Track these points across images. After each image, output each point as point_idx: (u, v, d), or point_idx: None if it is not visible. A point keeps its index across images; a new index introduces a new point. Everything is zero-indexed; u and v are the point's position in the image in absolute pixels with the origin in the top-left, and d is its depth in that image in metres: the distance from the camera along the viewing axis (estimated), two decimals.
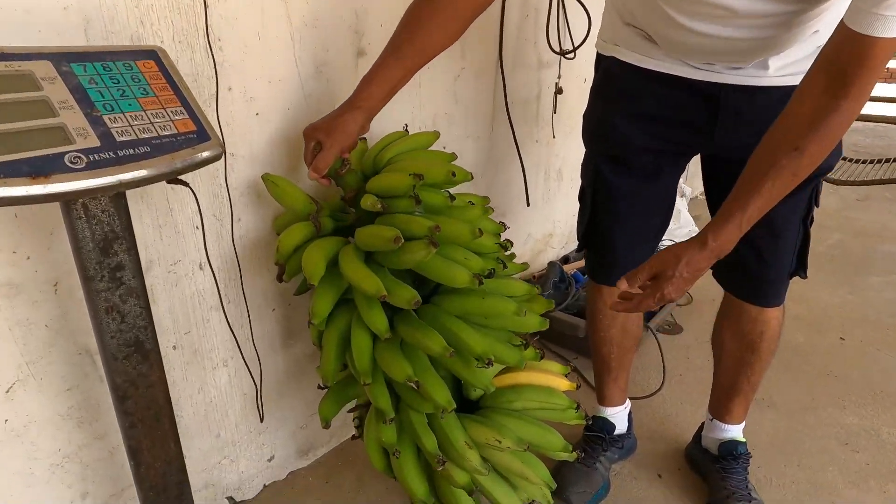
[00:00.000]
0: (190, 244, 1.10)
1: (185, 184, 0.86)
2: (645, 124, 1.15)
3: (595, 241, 1.33)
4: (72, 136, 0.70)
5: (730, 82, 1.07)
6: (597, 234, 1.31)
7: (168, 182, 0.84)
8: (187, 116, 0.81)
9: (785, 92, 0.97)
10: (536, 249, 2.20)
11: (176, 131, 0.78)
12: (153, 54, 0.83)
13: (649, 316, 1.99)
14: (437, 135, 1.24)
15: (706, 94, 1.08)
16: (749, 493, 1.35)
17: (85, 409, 1.04)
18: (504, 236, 1.21)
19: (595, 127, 1.25)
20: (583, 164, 1.31)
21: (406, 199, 1.04)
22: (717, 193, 1.24)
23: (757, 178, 0.91)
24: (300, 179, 1.21)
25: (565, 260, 2.25)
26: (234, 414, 1.29)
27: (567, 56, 1.81)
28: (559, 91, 1.84)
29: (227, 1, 1.03)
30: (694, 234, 0.99)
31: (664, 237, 2.02)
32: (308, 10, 1.16)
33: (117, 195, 0.76)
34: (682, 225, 2.55)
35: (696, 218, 2.72)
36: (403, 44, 1.05)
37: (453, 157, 1.20)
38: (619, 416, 1.50)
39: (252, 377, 1.28)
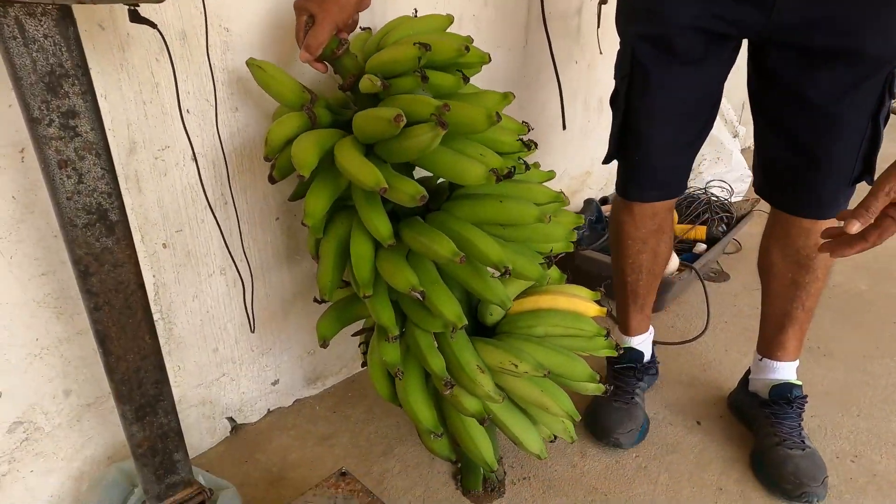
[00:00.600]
0: (178, 129, 0.99)
1: (152, 24, 0.73)
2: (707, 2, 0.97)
3: (628, 147, 1.17)
4: None
5: None
6: (630, 138, 1.15)
7: (131, 20, 0.72)
8: None
9: None
10: (572, 188, 2.03)
11: None
12: None
13: (691, 259, 1.81)
14: (450, 18, 1.07)
15: None
16: (803, 441, 1.20)
17: (63, 299, 0.95)
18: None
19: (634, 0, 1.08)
20: (617, 58, 1.14)
21: (410, 77, 0.89)
22: (763, 98, 1.09)
23: None
24: (304, 73, 1.08)
25: (603, 201, 2.07)
26: (234, 329, 1.19)
27: None
28: (603, 1, 1.64)
29: None
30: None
31: (710, 178, 1.82)
32: None
33: (63, 20, 0.64)
34: (734, 168, 2.32)
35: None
36: None
37: (469, 39, 1.03)
38: (645, 343, 1.38)
39: (242, 284, 1.17)
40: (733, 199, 2.17)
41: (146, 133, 0.96)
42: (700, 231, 1.91)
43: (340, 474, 1.03)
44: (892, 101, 1.00)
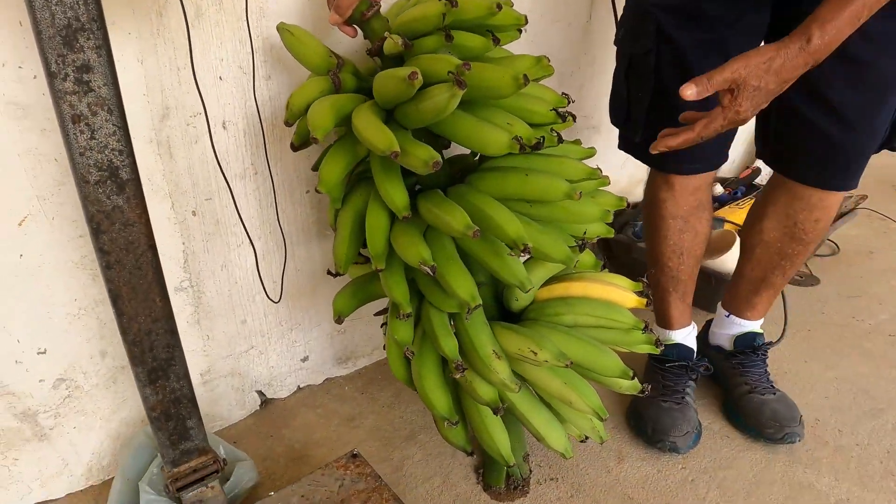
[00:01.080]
0: (212, 96, 0.99)
1: None
2: None
3: (662, 122, 1.03)
4: None
5: None
6: (663, 112, 1.04)
7: None
8: None
9: None
10: (637, 178, 1.89)
11: None
12: None
13: None
14: None
15: None
16: (772, 385, 1.23)
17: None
18: (597, 160, 0.98)
19: None
20: (627, 29, 1.07)
21: (434, 36, 0.84)
22: None
23: None
24: (341, 41, 1.05)
25: None
26: (262, 301, 1.20)
27: None
28: None
29: None
30: None
31: None
32: None
33: None
34: None
35: None
36: None
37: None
38: (691, 337, 1.29)
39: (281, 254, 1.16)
40: None
41: (178, 98, 0.97)
42: None
43: (352, 456, 1.01)
44: None
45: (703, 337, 1.35)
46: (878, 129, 0.98)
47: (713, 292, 1.53)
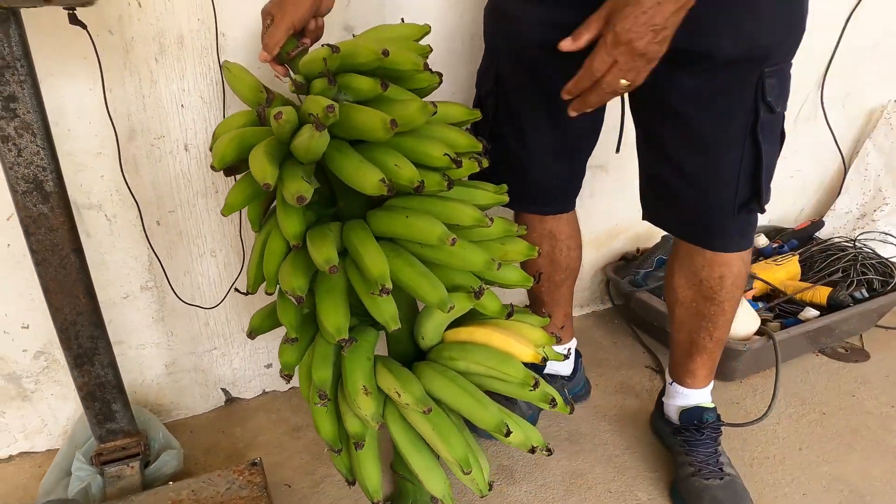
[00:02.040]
0: (174, 122, 1.13)
1: (83, 25, 0.86)
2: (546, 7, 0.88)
3: (499, 161, 1.10)
4: None
5: None
6: (497, 152, 1.09)
7: (70, 22, 0.85)
8: None
9: None
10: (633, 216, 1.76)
11: None
12: None
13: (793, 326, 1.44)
14: (425, 28, 1.03)
15: None
16: (721, 469, 1.12)
17: None
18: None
19: (489, 13, 1.06)
20: (482, 63, 1.12)
21: (321, 79, 0.89)
22: (636, 106, 1.01)
23: None
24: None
25: None
26: (225, 308, 1.31)
27: None
28: None
29: None
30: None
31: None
32: None
33: (5, 21, 0.79)
34: None
35: None
36: None
37: (427, 49, 0.98)
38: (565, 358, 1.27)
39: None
40: None
41: (144, 122, 1.12)
42: (820, 293, 1.50)
43: (252, 464, 1.07)
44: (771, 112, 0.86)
45: (658, 407, 1.27)
46: (724, 187, 0.94)
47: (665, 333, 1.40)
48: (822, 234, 1.80)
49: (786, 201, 1.90)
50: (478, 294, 0.94)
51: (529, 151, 1.11)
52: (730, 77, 0.86)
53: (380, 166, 0.86)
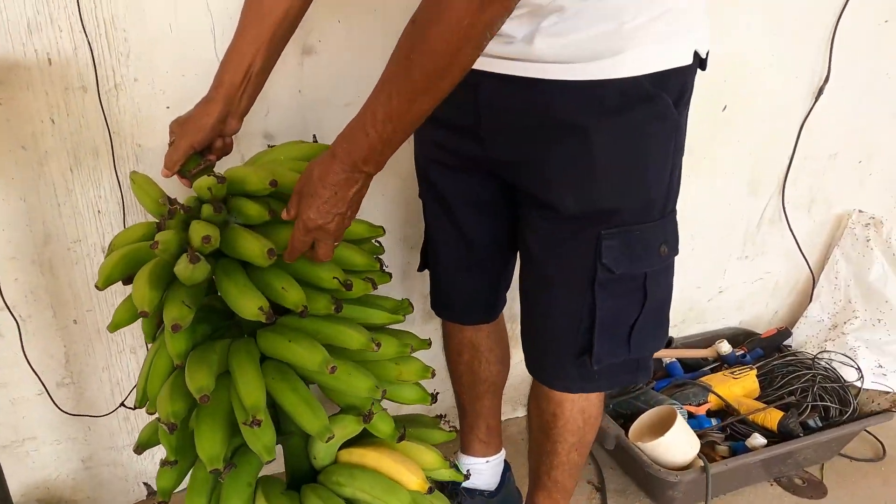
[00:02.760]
0: (91, 226, 1.16)
1: None
2: (430, 128, 0.87)
3: (426, 262, 1.19)
4: None
5: (487, 69, 0.84)
6: (428, 250, 1.18)
7: None
8: None
9: (560, 87, 0.78)
10: None
11: None
12: None
13: (742, 451, 1.34)
14: (324, 147, 1.03)
15: (467, 80, 0.73)
16: None
17: None
18: None
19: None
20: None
21: (207, 204, 0.89)
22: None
23: (385, 69, 0.72)
24: None
25: (668, 343, 1.68)
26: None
27: None
28: None
29: None
30: None
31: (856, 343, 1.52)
32: (234, 2, 1.10)
33: None
34: None
35: None
36: (244, 10, 0.93)
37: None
38: (477, 467, 1.28)
39: None
40: (869, 384, 1.54)
41: (60, 227, 1.15)
42: (772, 417, 1.38)
43: None
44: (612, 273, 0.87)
45: None
46: (564, 332, 0.94)
47: (645, 481, 1.31)
48: (794, 341, 1.69)
49: (757, 303, 1.82)
50: (367, 418, 0.93)
51: (438, 261, 1.15)
52: (573, 230, 0.88)
53: (266, 288, 0.88)
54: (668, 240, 0.89)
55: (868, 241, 1.66)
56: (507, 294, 1.22)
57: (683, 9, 0.78)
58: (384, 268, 1.03)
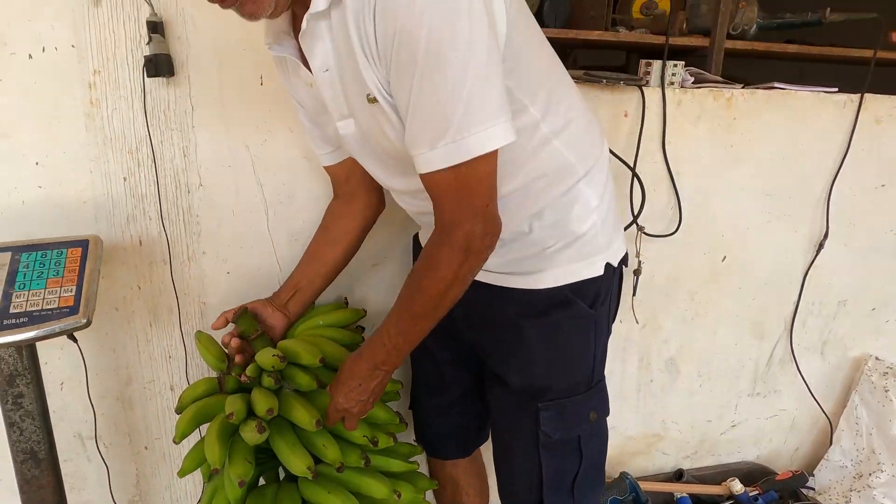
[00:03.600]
0: (163, 369, 1.41)
1: (74, 340, 1.14)
2: None
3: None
4: None
5: None
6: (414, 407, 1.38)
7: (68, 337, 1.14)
8: (73, 294, 1.09)
9: (501, 292, 1.03)
10: (630, 449, 1.80)
11: (56, 306, 1.07)
12: (84, 242, 1.15)
13: None
14: (359, 313, 1.26)
15: None
16: None
17: (76, 478, 1.43)
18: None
19: None
20: None
21: (269, 377, 1.12)
22: None
23: (396, 300, 0.97)
24: None
25: (679, 475, 1.77)
26: None
27: (646, 231, 1.49)
28: (638, 272, 1.52)
29: (207, 187, 1.31)
30: None
31: None
32: (283, 190, 1.34)
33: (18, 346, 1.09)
34: None
35: None
36: (313, 244, 1.24)
37: (358, 338, 1.21)
38: None
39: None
40: None
41: (139, 371, 1.40)
42: None
43: None
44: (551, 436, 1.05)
45: None
46: (521, 487, 1.12)
47: None
48: (817, 483, 1.73)
49: (774, 439, 1.86)
50: None
51: (420, 403, 1.36)
52: (519, 401, 1.07)
53: (310, 445, 1.10)
54: (597, 407, 1.09)
55: (887, 391, 1.68)
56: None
57: (594, 234, 1.00)
58: (402, 420, 1.22)
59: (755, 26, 1.89)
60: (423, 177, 0.84)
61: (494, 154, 0.81)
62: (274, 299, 1.23)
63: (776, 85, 1.50)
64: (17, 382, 1.11)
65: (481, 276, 1.04)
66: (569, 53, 2.06)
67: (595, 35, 1.65)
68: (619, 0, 1.78)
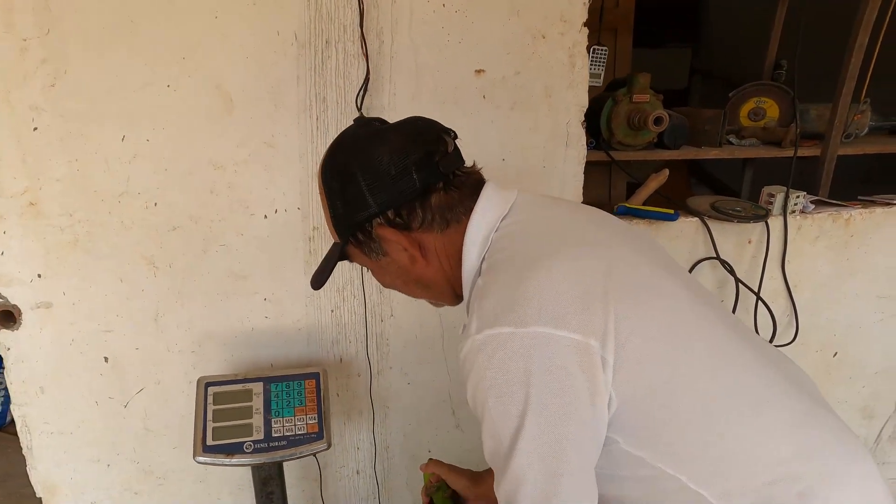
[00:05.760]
0: (351, 459, 1.75)
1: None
2: None
3: None
4: (252, 431, 1.41)
5: None
6: None
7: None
8: (316, 422, 1.43)
9: None
10: None
11: (305, 431, 1.42)
12: (316, 375, 1.49)
13: None
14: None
15: None
16: None
17: None
18: None
19: None
20: None
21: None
22: None
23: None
24: None
25: None
26: None
27: None
28: None
29: (397, 317, 1.63)
30: None
31: None
32: (458, 323, 1.65)
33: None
34: None
35: None
36: None
37: None
38: None
39: None
40: None
41: (334, 458, 1.74)
42: None
43: None
44: None
45: None
46: None
47: None
48: None
49: None
50: None
51: None
52: None
53: None
54: None
55: None
56: None
57: None
58: None
59: (867, 129, 2.08)
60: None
61: None
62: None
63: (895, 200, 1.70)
64: (270, 484, 1.46)
65: None
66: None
67: (713, 154, 1.89)
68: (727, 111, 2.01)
